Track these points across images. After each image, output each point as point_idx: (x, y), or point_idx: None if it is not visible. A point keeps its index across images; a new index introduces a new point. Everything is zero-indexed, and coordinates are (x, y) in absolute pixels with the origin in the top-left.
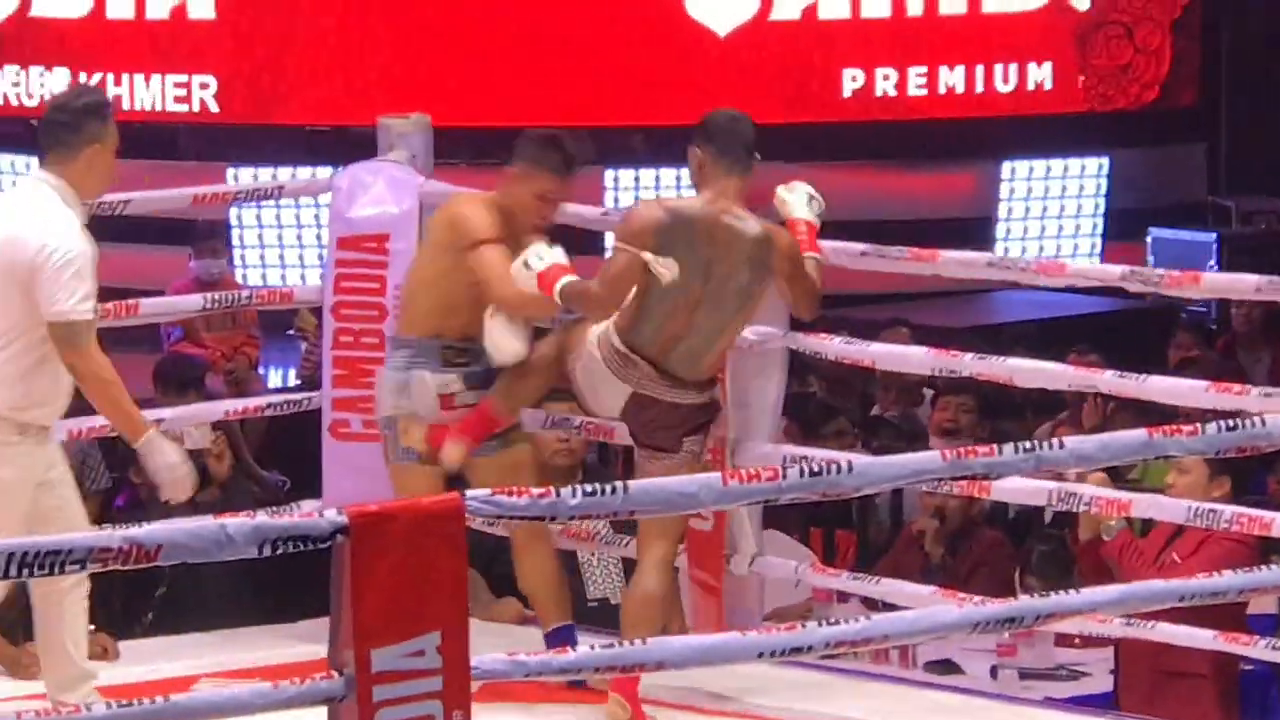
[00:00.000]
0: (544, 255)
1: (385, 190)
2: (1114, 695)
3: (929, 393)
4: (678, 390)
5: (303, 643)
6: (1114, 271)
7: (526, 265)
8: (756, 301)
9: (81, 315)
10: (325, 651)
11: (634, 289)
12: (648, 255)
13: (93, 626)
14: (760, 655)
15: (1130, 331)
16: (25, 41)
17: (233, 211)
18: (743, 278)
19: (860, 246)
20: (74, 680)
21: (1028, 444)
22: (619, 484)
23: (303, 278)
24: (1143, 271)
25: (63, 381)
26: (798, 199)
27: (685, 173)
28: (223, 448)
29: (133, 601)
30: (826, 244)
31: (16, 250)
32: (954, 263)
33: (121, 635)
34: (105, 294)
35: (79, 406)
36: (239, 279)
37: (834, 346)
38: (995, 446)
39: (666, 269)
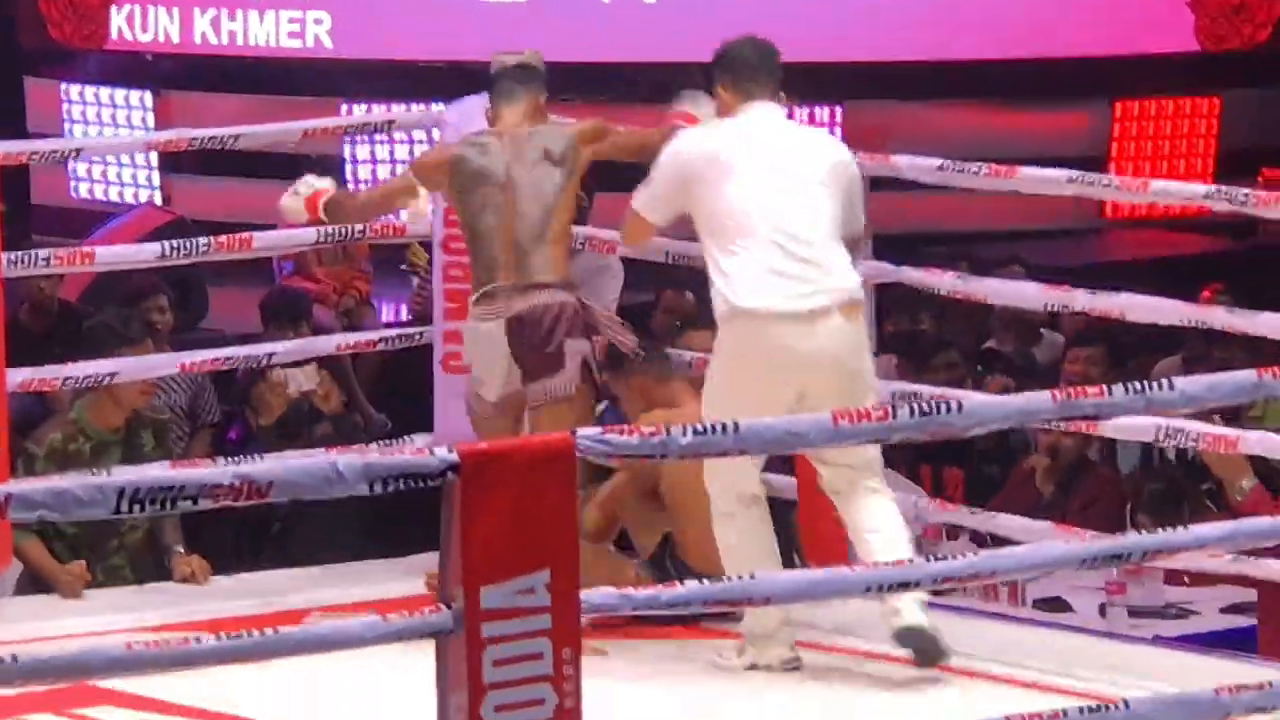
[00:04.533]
0: (312, 183)
1: None
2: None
3: (1046, 333)
4: (533, 293)
5: (413, 577)
6: (1198, 190)
7: (295, 193)
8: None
9: None
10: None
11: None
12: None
13: (181, 549)
14: (868, 590)
15: (1251, 270)
16: None
17: (345, 146)
18: (545, 176)
19: (936, 161)
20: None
21: (1138, 384)
22: (730, 423)
23: None
24: (1228, 191)
25: None
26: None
27: (797, 110)
28: (329, 388)
29: (246, 535)
30: (903, 159)
31: (847, 168)
32: (1034, 179)
33: (235, 568)
34: (219, 228)
35: (196, 340)
36: None
37: (947, 281)
38: (1105, 387)
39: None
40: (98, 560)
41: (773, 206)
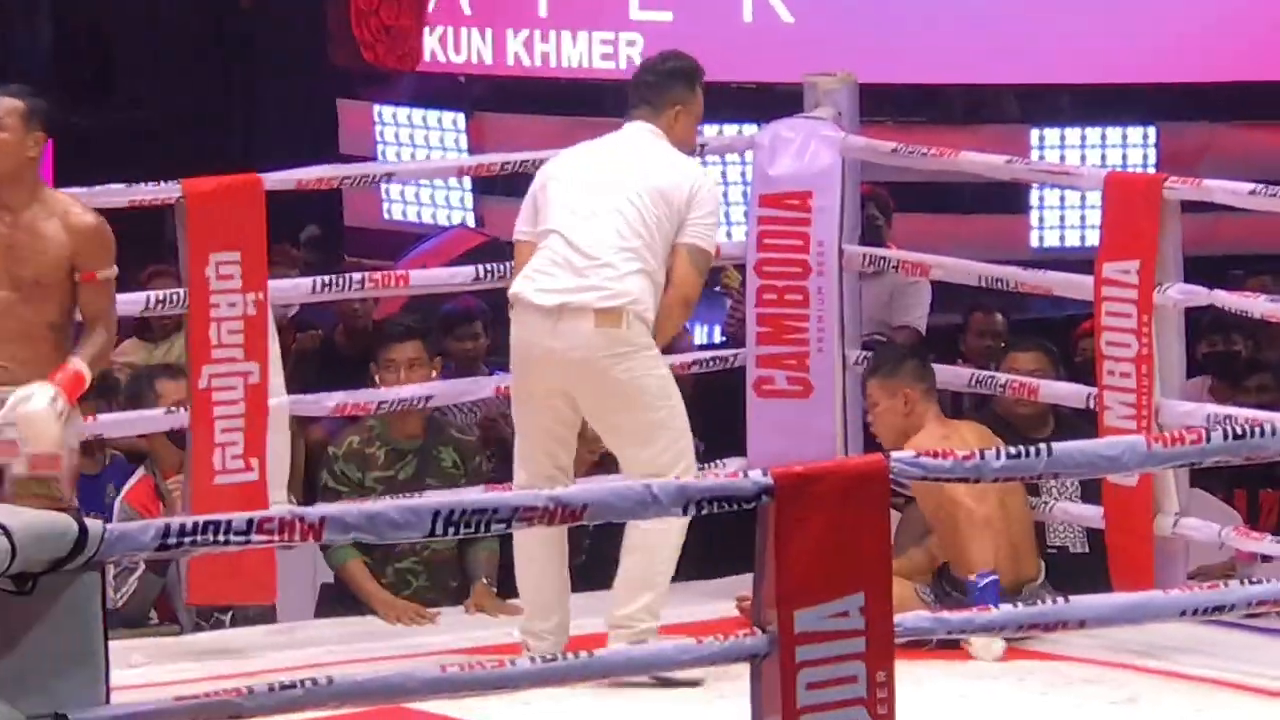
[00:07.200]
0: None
1: (807, 147)
2: None
3: None
4: None
5: (724, 599)
6: None
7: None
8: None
9: None
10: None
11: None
12: None
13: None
14: (1183, 613)
15: None
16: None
17: None
18: None
19: (1248, 186)
20: None
21: None
22: (1043, 446)
23: (728, 234)
24: None
25: None
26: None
27: (1112, 131)
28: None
29: None
30: (1214, 183)
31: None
32: None
33: None
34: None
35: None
36: None
37: (1260, 304)
38: None
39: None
40: (389, 561)
41: (566, 219)
